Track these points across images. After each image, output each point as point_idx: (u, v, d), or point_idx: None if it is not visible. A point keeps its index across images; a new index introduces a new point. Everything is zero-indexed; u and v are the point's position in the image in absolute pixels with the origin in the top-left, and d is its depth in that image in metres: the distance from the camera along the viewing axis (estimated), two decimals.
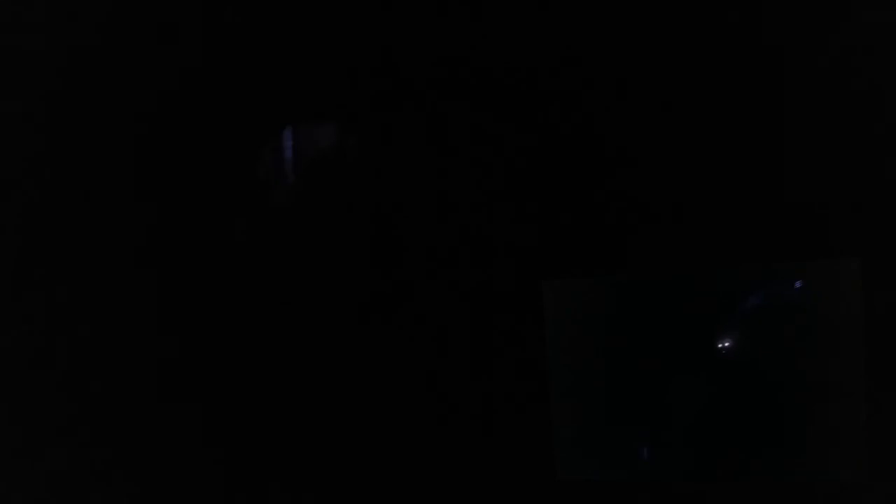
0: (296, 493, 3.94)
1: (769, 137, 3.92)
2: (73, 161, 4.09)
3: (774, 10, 3.75)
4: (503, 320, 3.99)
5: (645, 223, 3.96)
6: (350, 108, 4.53)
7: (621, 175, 4.06)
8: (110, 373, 4.10)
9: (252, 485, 3.98)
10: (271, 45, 4.08)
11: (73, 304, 4.09)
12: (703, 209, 3.92)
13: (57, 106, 4.12)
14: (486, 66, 4.26)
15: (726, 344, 3.78)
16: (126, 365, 4.13)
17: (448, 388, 3.94)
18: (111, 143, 4.12)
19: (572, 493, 3.85)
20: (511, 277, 4.01)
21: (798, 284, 3.63)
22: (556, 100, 4.11)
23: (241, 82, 4.17)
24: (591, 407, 3.92)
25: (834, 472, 3.61)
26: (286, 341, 4.13)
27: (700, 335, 3.79)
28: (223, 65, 4.09)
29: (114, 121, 4.11)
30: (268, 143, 4.11)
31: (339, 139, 4.48)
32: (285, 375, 4.09)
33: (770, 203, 3.81)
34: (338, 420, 4.00)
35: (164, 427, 4.10)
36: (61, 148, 4.11)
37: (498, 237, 4.07)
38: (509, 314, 3.98)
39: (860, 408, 3.58)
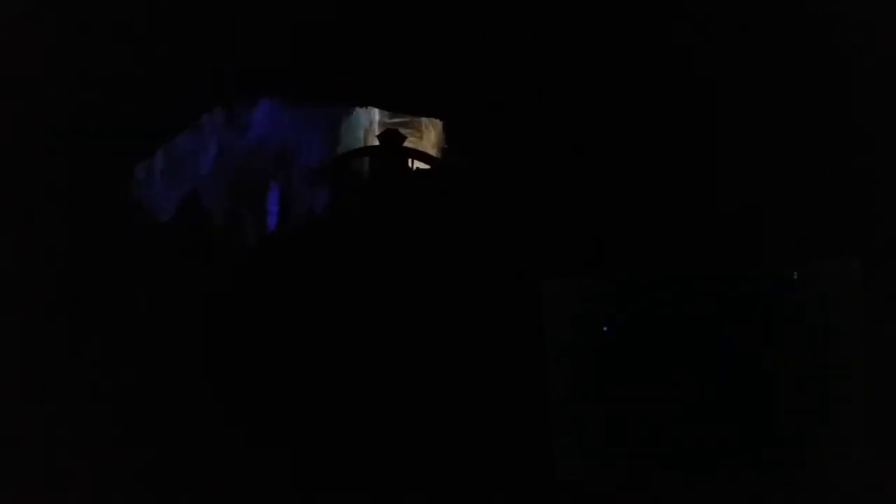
0: (296, 494, 3.92)
1: (769, 139, 3.92)
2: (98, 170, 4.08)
3: (773, 13, 3.76)
4: (503, 320, 3.99)
5: (645, 224, 3.96)
6: (348, 105, 4.48)
7: (622, 176, 4.06)
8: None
9: (253, 485, 3.97)
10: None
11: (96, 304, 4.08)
12: (703, 210, 3.92)
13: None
14: (486, 67, 4.25)
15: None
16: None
17: (448, 389, 3.93)
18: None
19: (572, 493, 3.85)
20: (511, 277, 4.02)
21: (795, 276, 3.63)
22: (557, 101, 4.11)
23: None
24: (590, 407, 3.92)
25: (834, 472, 3.61)
26: (286, 340, 4.12)
27: (700, 335, 3.80)
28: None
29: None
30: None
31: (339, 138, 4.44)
32: (286, 375, 4.07)
33: (770, 204, 3.82)
34: (338, 420, 3.99)
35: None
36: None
37: (498, 237, 4.07)
38: (509, 314, 3.98)
39: (860, 408, 3.59)
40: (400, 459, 3.84)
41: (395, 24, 3.98)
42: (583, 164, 4.00)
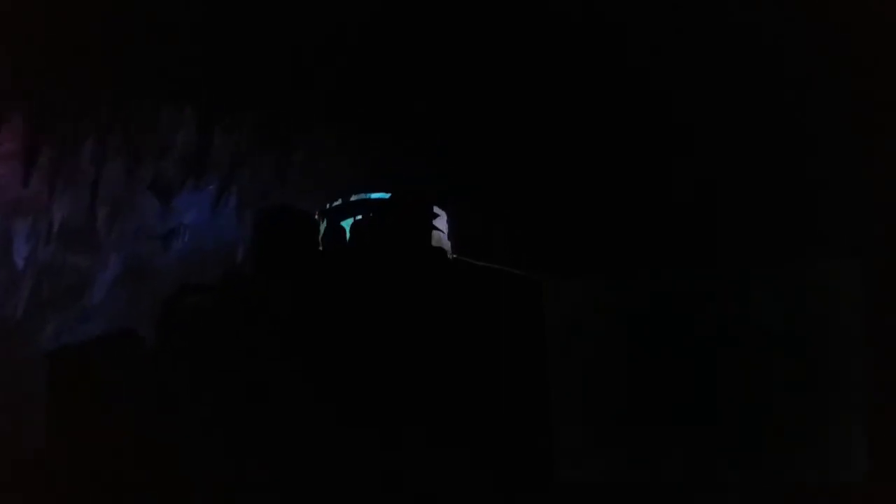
0: (295, 493, 3.93)
1: (769, 140, 3.92)
2: None
3: (776, 16, 3.76)
4: (503, 320, 3.99)
5: (645, 224, 3.96)
6: (346, 113, 4.47)
7: (622, 177, 4.06)
8: None
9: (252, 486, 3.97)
10: None
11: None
12: (703, 211, 3.93)
13: None
14: (485, 67, 4.24)
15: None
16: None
17: (448, 389, 3.93)
18: None
19: (572, 493, 3.84)
20: (511, 277, 4.02)
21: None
22: (557, 101, 4.11)
23: None
24: (590, 407, 3.92)
25: (834, 472, 3.61)
26: (287, 340, 4.13)
27: (700, 335, 3.80)
28: None
29: None
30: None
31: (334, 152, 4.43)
32: (285, 374, 4.08)
33: (770, 205, 3.83)
34: (338, 420, 3.99)
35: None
36: None
37: (498, 237, 4.08)
38: (509, 314, 3.98)
39: (860, 408, 3.59)
40: (401, 459, 3.85)
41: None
42: (581, 165, 4.01)
